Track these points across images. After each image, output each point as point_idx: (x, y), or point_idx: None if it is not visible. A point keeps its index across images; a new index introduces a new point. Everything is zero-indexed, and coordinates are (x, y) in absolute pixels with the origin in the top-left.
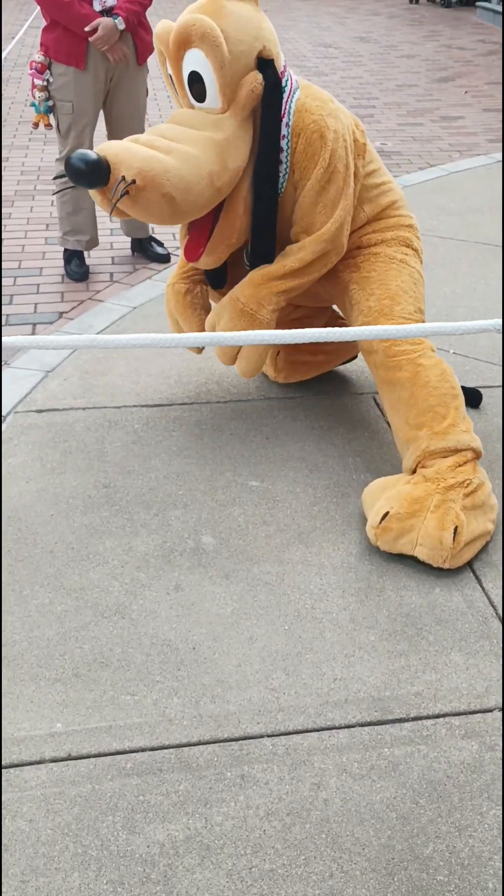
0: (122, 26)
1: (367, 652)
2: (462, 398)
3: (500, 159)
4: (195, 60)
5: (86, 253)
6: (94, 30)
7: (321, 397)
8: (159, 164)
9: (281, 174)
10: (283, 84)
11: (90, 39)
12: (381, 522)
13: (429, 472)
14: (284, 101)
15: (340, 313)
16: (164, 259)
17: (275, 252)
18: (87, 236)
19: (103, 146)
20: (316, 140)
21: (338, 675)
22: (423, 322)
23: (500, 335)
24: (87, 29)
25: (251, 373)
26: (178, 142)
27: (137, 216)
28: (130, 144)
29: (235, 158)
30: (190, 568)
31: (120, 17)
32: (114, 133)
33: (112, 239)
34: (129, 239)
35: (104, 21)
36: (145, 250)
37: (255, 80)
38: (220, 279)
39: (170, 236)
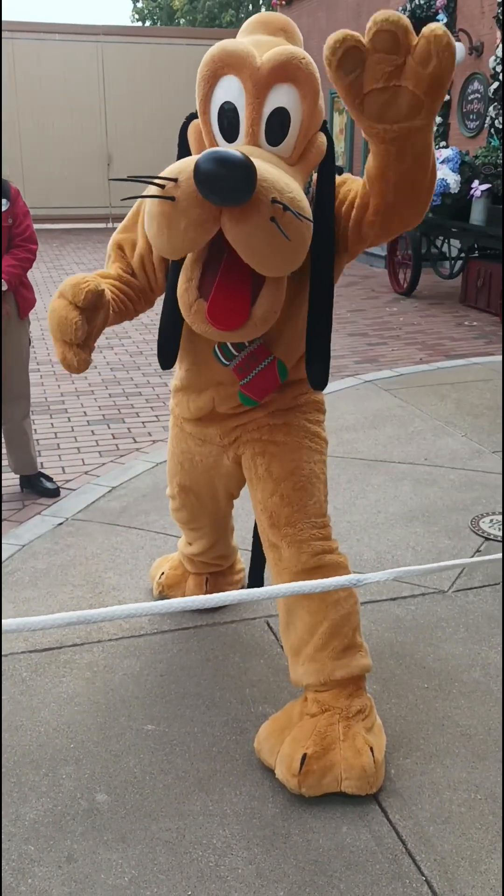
0: (4, 287)
1: None
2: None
3: (371, 379)
4: (287, 98)
5: None
6: None
7: (214, 626)
8: (302, 197)
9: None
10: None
11: None
12: (301, 768)
13: (325, 699)
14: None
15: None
16: (54, 493)
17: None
18: None
19: (234, 152)
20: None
21: None
22: (328, 523)
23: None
24: None
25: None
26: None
27: (274, 256)
28: (260, 160)
29: None
30: (83, 833)
31: (3, 280)
32: None
33: None
34: (16, 476)
35: None
36: (34, 486)
37: (322, 140)
38: (172, 358)
39: (58, 470)
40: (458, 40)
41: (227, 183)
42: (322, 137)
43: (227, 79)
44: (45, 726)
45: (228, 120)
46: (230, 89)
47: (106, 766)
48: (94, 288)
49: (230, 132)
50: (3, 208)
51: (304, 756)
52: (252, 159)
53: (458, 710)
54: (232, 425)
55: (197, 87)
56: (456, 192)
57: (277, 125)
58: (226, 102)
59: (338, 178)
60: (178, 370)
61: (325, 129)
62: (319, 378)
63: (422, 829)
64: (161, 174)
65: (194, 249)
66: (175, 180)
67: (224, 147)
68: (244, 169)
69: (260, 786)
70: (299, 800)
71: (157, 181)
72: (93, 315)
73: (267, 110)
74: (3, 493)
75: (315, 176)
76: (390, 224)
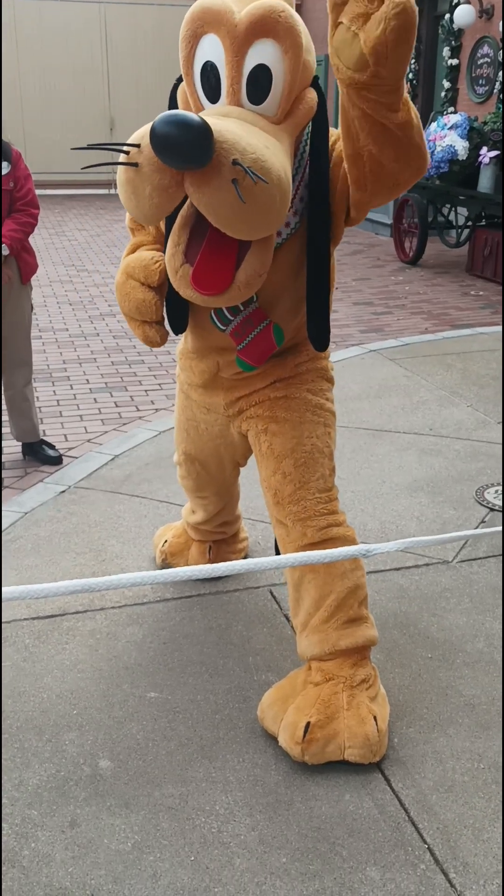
0: (6, 252)
1: (279, 877)
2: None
3: (376, 349)
4: (268, 54)
5: None
6: None
7: (218, 594)
8: (272, 157)
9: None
10: None
11: None
12: (305, 736)
13: (329, 668)
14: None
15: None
16: (56, 461)
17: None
18: None
19: (189, 114)
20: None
21: None
22: (335, 496)
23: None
24: None
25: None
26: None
27: (239, 219)
28: (225, 121)
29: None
30: (86, 799)
31: (5, 245)
32: None
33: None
34: (18, 444)
35: None
36: (36, 453)
37: (312, 97)
38: (182, 322)
39: (61, 438)
40: (468, 3)
41: (181, 146)
42: (312, 93)
43: (208, 38)
44: (47, 693)
45: (211, 80)
46: (211, 48)
47: (109, 732)
48: (164, 266)
49: (213, 92)
50: (4, 171)
51: (308, 724)
52: (209, 120)
53: (462, 680)
54: (235, 396)
55: (179, 47)
56: (464, 158)
57: (259, 83)
58: (207, 62)
59: (331, 135)
60: (184, 334)
61: (317, 84)
62: (315, 335)
63: (424, 798)
64: (129, 140)
65: (163, 215)
66: (138, 146)
67: (207, 108)
68: (199, 131)
69: (263, 753)
70: (302, 767)
71: (121, 148)
72: (163, 290)
73: (247, 68)
74: (5, 460)
75: (309, 133)
76: (381, 180)
